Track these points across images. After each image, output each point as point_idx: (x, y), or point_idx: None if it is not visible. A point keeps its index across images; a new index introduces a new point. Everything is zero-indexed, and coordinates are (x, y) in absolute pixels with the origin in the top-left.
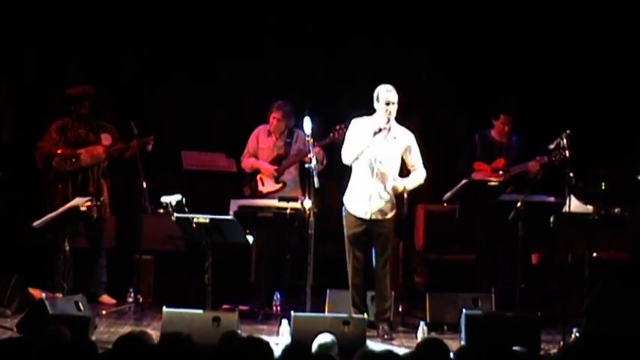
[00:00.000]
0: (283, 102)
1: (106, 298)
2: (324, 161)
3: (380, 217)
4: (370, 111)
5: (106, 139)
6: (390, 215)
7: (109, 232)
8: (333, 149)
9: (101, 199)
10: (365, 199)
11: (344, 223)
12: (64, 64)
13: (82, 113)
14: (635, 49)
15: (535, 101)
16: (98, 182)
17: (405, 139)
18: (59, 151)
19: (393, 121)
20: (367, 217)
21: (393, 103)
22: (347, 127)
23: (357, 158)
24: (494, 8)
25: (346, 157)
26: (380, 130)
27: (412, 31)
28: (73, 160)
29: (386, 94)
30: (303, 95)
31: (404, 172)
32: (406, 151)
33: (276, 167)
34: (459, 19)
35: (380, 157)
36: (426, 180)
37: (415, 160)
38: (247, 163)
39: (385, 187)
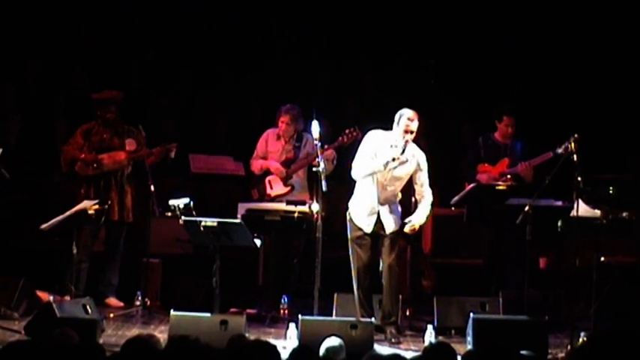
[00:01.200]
0: (291, 105)
1: (113, 301)
2: (335, 161)
3: (383, 232)
4: (378, 116)
5: (130, 144)
6: (394, 229)
7: None
8: (342, 153)
9: (108, 202)
10: (369, 214)
11: (348, 225)
12: (70, 70)
13: (108, 118)
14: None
15: (542, 105)
16: (122, 187)
17: (416, 160)
18: (82, 156)
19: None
20: (369, 230)
21: (412, 132)
22: (356, 131)
23: (364, 177)
24: (501, 13)
25: (356, 173)
26: (393, 159)
27: (419, 35)
28: (95, 165)
29: (407, 122)
30: (310, 98)
31: (411, 190)
32: (416, 172)
33: (285, 169)
34: (466, 24)
35: (389, 179)
36: (433, 184)
37: (423, 181)
38: (257, 164)
39: (390, 208)
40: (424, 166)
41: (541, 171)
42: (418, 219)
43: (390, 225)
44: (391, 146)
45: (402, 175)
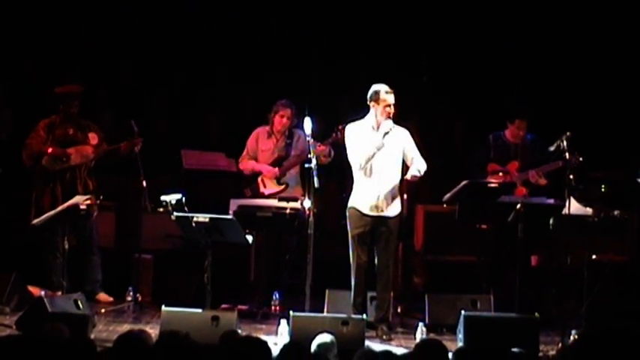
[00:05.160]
0: (288, 100)
1: (103, 296)
2: (332, 153)
3: (387, 214)
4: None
5: (93, 138)
6: (397, 212)
7: (108, 231)
8: (335, 149)
9: (100, 197)
10: (373, 197)
11: (348, 223)
12: (63, 65)
13: (71, 112)
14: (637, 50)
15: (535, 103)
16: (85, 181)
17: (402, 135)
18: (50, 150)
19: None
20: (374, 213)
21: (393, 105)
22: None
23: (368, 162)
24: (495, 11)
25: (359, 163)
26: (387, 133)
27: (412, 33)
28: (64, 159)
29: (386, 96)
30: (303, 96)
31: (404, 170)
32: (405, 147)
33: (277, 169)
34: (459, 22)
35: (382, 157)
36: (425, 181)
37: (414, 152)
38: (247, 165)
39: (391, 189)
40: (410, 138)
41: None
42: (417, 167)
43: (391, 206)
44: (373, 128)
45: (393, 151)
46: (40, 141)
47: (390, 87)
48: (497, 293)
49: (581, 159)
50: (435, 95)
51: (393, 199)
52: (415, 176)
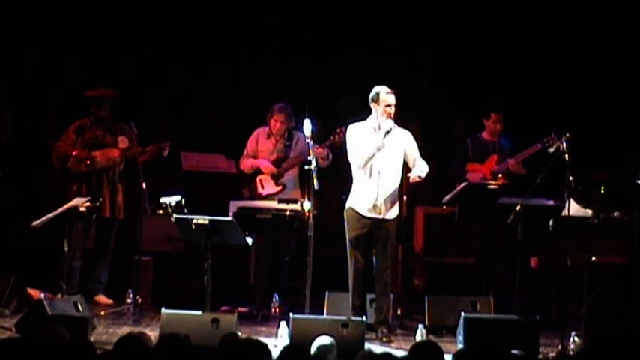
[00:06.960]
0: (284, 104)
1: (102, 298)
2: (330, 156)
3: (385, 217)
4: (369, 114)
5: (123, 142)
6: (395, 215)
7: None
8: (334, 152)
9: (100, 199)
10: (371, 198)
11: (346, 226)
12: (63, 66)
13: (101, 115)
14: (636, 50)
15: (534, 105)
16: (114, 185)
17: (403, 137)
18: (75, 152)
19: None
20: (373, 215)
21: (394, 105)
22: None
23: (367, 162)
24: (493, 11)
25: (360, 161)
26: (388, 132)
27: (411, 34)
28: (88, 162)
29: (387, 96)
30: (302, 97)
31: (405, 171)
32: (406, 149)
33: (276, 168)
34: (458, 23)
35: (382, 158)
36: (425, 182)
37: (416, 154)
38: (247, 163)
39: (392, 189)
40: (412, 140)
41: (533, 163)
42: (420, 169)
43: (389, 209)
44: (374, 129)
45: (393, 152)
46: (68, 143)
47: (390, 88)
48: (497, 295)
49: (562, 149)
50: (434, 96)
51: (392, 201)
52: (419, 178)
